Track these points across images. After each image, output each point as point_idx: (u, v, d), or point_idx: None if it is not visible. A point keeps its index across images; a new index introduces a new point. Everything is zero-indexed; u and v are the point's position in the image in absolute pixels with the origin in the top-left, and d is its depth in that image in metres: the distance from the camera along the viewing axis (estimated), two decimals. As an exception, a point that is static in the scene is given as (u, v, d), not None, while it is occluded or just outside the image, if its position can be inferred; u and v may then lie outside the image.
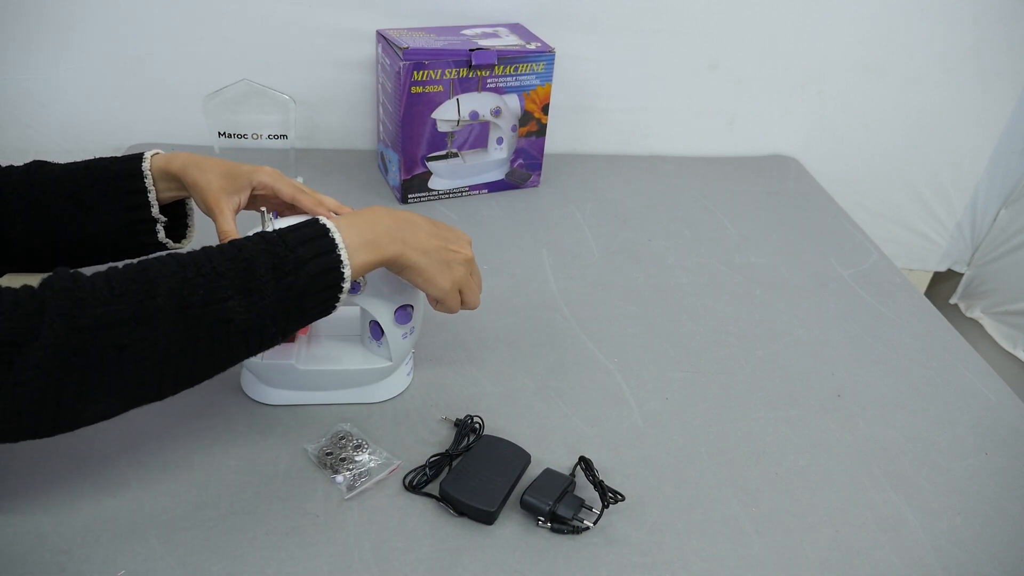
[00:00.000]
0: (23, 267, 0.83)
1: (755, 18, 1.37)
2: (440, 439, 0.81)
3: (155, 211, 0.80)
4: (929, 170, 1.57)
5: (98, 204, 0.79)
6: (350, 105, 1.34)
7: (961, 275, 1.72)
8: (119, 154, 0.84)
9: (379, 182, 1.30)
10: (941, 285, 1.77)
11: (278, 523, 0.70)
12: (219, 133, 1.16)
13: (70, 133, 1.31)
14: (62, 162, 0.81)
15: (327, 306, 0.68)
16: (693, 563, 0.71)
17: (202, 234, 0.85)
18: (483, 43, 1.17)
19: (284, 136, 1.19)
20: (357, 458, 0.77)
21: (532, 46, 1.19)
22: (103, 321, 0.57)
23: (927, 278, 1.74)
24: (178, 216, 0.86)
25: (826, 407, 0.91)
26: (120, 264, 0.62)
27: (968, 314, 1.68)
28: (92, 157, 0.82)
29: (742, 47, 1.40)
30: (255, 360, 0.79)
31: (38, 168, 0.80)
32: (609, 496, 0.74)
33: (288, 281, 0.64)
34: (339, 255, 0.66)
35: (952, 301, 1.74)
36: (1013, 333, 1.57)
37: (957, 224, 1.64)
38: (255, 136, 1.18)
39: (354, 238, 0.68)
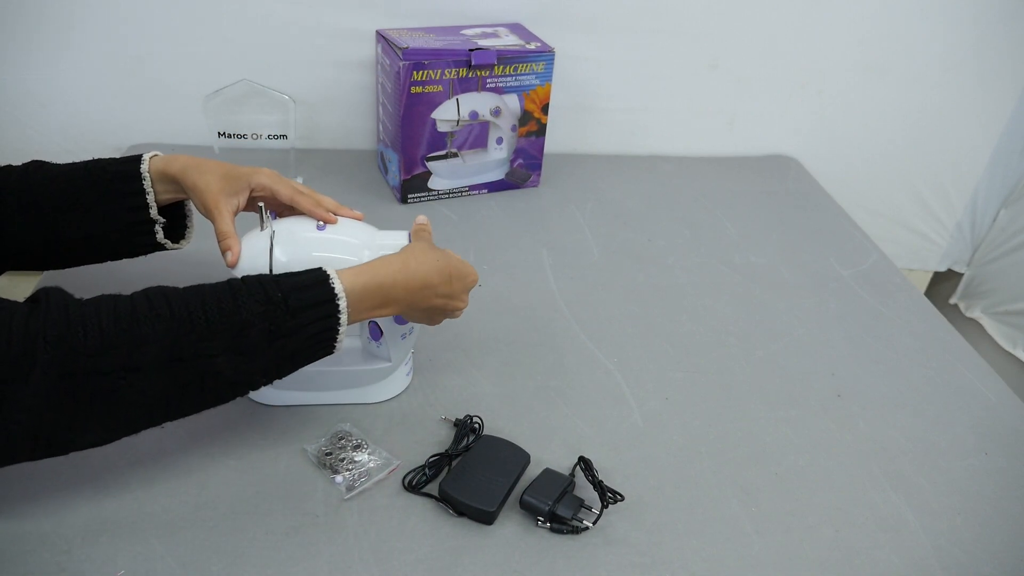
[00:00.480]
0: (21, 266, 0.83)
1: (755, 18, 1.37)
2: (440, 439, 0.81)
3: (153, 212, 0.80)
4: (929, 170, 1.57)
5: (96, 205, 0.79)
6: (350, 105, 1.34)
7: (961, 275, 1.72)
8: (119, 154, 0.84)
9: (379, 182, 1.31)
10: (941, 285, 1.77)
11: (278, 523, 0.70)
12: (219, 133, 1.16)
13: (70, 133, 1.31)
14: (61, 162, 0.81)
15: (318, 358, 0.70)
16: (693, 563, 0.71)
17: (201, 235, 0.85)
18: (483, 43, 1.17)
19: (284, 136, 1.19)
20: (357, 458, 0.77)
21: (532, 46, 1.19)
22: (93, 369, 0.58)
23: (927, 278, 1.74)
24: (177, 217, 0.86)
25: (826, 407, 0.91)
26: (115, 295, 0.62)
27: (968, 314, 1.68)
28: (92, 157, 0.82)
29: (742, 47, 1.40)
30: None
31: (37, 168, 0.80)
32: (609, 496, 0.74)
33: (281, 343, 0.65)
34: (339, 318, 0.67)
35: (952, 301, 1.74)
36: (1013, 333, 1.57)
37: (957, 224, 1.64)
38: (255, 136, 1.18)
39: (360, 303, 0.70)
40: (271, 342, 0.64)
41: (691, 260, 1.17)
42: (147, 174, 0.79)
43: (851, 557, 0.73)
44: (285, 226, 0.77)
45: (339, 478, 0.74)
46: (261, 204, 0.75)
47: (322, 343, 0.68)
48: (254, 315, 0.63)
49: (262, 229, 0.76)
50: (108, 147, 1.31)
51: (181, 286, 0.65)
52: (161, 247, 0.84)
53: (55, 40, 1.22)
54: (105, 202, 0.79)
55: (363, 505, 0.73)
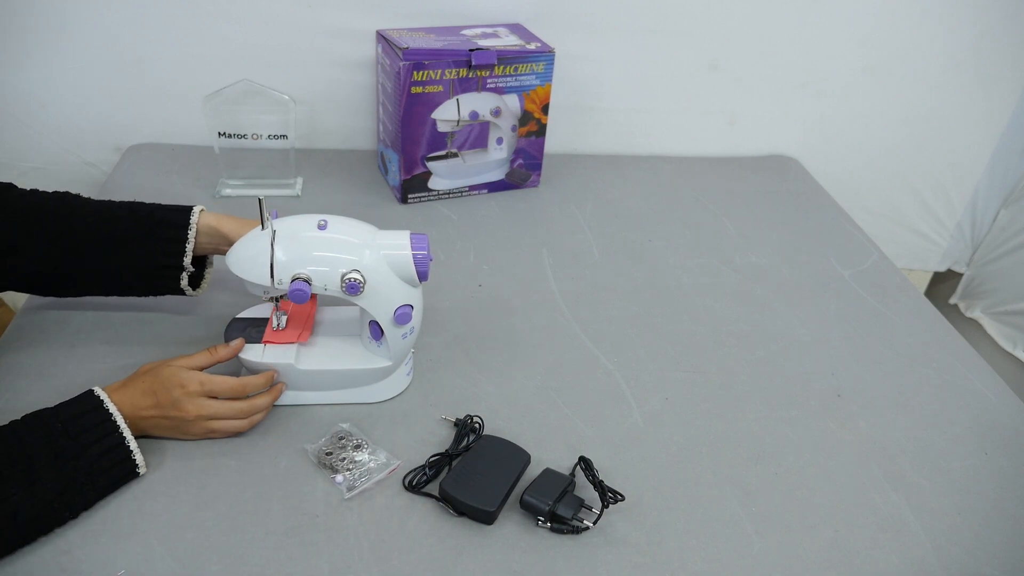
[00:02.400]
0: (34, 289, 0.87)
1: (755, 18, 1.37)
2: (440, 439, 0.81)
3: (187, 260, 0.84)
4: (929, 170, 1.57)
5: (136, 242, 0.83)
6: (350, 105, 1.34)
7: (961, 275, 1.72)
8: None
9: (379, 182, 1.30)
10: (941, 285, 1.77)
11: (278, 523, 0.70)
12: (219, 133, 1.16)
13: (70, 133, 1.31)
14: (95, 198, 0.85)
15: (125, 480, 0.71)
16: (693, 563, 0.71)
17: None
18: (483, 43, 1.17)
19: (284, 136, 1.19)
20: (357, 458, 0.77)
21: (532, 46, 1.19)
22: None
23: (927, 278, 1.74)
24: (197, 267, 0.89)
25: (826, 407, 0.91)
26: None
27: (968, 314, 1.68)
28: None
29: (742, 47, 1.40)
30: (255, 360, 0.80)
31: (72, 199, 0.84)
32: (609, 496, 0.74)
33: (71, 468, 0.67)
34: (122, 434, 0.70)
35: (952, 301, 1.74)
36: (1013, 333, 1.57)
37: (957, 224, 1.64)
38: (255, 136, 1.18)
39: (133, 411, 0.72)
40: (61, 466, 0.66)
41: (691, 260, 1.17)
42: (195, 225, 0.84)
43: (851, 557, 0.73)
44: (286, 225, 0.77)
45: (339, 478, 0.74)
46: (260, 198, 0.75)
47: (117, 464, 0.70)
48: (37, 445, 0.66)
49: (263, 228, 0.76)
50: (108, 147, 1.31)
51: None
52: (180, 292, 0.87)
53: (55, 40, 1.22)
54: (146, 241, 0.83)
55: (363, 505, 0.73)
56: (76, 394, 0.72)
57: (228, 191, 1.21)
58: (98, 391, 0.71)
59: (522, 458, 0.77)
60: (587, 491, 0.76)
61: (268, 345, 0.82)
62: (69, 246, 0.81)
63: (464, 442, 0.80)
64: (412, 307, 0.80)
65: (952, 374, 0.99)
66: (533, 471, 0.77)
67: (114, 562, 0.66)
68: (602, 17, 1.32)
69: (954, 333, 1.08)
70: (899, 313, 1.10)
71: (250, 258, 0.75)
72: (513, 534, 0.72)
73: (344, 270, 0.75)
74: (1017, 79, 1.47)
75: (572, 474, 0.77)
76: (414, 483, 0.75)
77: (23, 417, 0.68)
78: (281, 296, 0.79)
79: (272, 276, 0.75)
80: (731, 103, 1.46)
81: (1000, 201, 1.62)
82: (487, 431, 0.82)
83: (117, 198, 0.87)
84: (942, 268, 1.71)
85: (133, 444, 0.70)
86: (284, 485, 0.74)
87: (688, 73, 1.41)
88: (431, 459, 0.77)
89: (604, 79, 1.39)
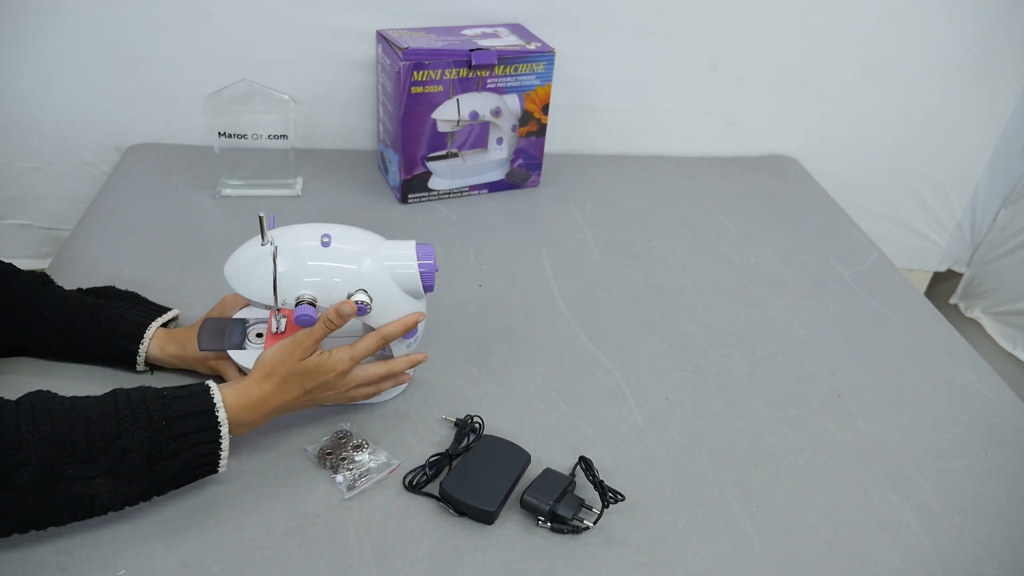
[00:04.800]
0: (6, 354, 0.86)
1: (755, 18, 1.37)
2: (440, 439, 0.81)
3: (140, 367, 0.84)
4: (929, 170, 1.57)
5: (90, 350, 0.83)
6: (350, 105, 1.34)
7: (961, 275, 1.72)
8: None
9: (379, 182, 1.30)
10: (941, 285, 1.77)
11: (278, 523, 0.70)
12: (219, 133, 1.16)
13: (70, 133, 1.30)
14: (65, 287, 0.86)
15: (200, 478, 0.71)
16: (693, 563, 0.71)
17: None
18: (483, 43, 1.17)
19: (284, 136, 1.19)
20: (357, 458, 0.77)
21: (532, 46, 1.19)
22: None
23: (927, 278, 1.74)
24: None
25: (826, 407, 0.91)
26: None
27: (968, 314, 1.68)
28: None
29: (742, 47, 1.40)
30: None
31: (40, 287, 0.84)
32: (609, 496, 0.74)
33: (161, 467, 0.66)
34: (220, 443, 0.69)
35: (952, 301, 1.74)
36: (1013, 333, 1.57)
37: (957, 224, 1.64)
38: (255, 136, 1.18)
39: (239, 415, 0.71)
40: (151, 466, 0.65)
41: (691, 260, 1.17)
42: (147, 342, 0.82)
43: (851, 557, 0.73)
44: (288, 242, 0.74)
45: (339, 478, 0.74)
46: (261, 215, 0.73)
47: (203, 466, 0.69)
48: (135, 442, 0.64)
49: (263, 243, 0.74)
50: (108, 147, 1.31)
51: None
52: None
53: (55, 40, 1.22)
54: (98, 350, 0.83)
55: (363, 505, 0.73)
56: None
57: (228, 191, 1.21)
58: (213, 390, 0.70)
59: (522, 458, 0.77)
60: (587, 491, 0.76)
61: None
62: (37, 331, 0.82)
63: (464, 442, 0.80)
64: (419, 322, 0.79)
65: (952, 374, 0.99)
66: (533, 471, 0.77)
67: (114, 562, 0.66)
68: (602, 17, 1.32)
69: (954, 333, 1.08)
70: (899, 313, 1.10)
71: (251, 276, 0.73)
72: (513, 534, 0.72)
73: (351, 290, 0.74)
74: (1017, 79, 1.47)
75: (572, 474, 0.77)
76: (414, 483, 0.75)
77: (130, 393, 0.67)
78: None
79: (275, 296, 0.73)
80: (731, 103, 1.46)
81: (1000, 201, 1.62)
82: (487, 431, 0.82)
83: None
84: (942, 268, 1.71)
85: (225, 451, 0.69)
86: (284, 485, 0.74)
87: (688, 73, 1.41)
88: (431, 459, 0.77)
89: (604, 79, 1.39)
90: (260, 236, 0.73)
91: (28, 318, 0.82)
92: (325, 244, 0.74)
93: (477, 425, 0.82)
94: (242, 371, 0.81)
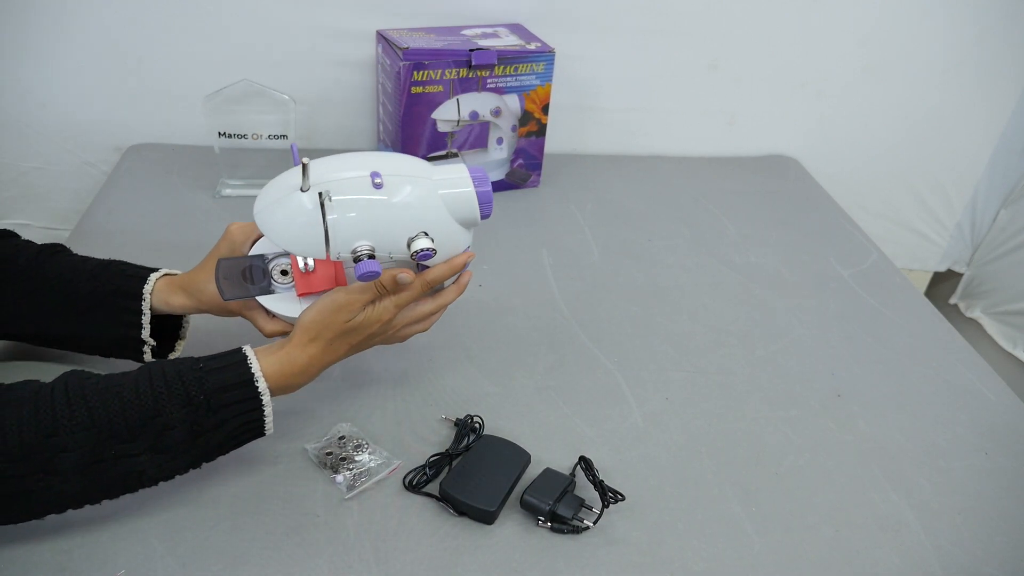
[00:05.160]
0: (15, 338, 0.82)
1: (755, 18, 1.37)
2: (440, 439, 0.81)
3: (146, 334, 0.77)
4: (929, 170, 1.57)
5: (93, 313, 0.77)
6: (350, 105, 1.34)
7: (961, 275, 1.72)
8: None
9: (379, 182, 1.30)
10: (941, 285, 1.77)
11: (278, 523, 0.70)
12: (219, 133, 1.16)
13: (70, 133, 1.30)
14: (79, 253, 0.81)
15: (247, 442, 0.69)
16: (693, 563, 0.71)
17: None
18: (483, 43, 1.17)
19: (284, 136, 1.19)
20: (357, 458, 0.77)
21: (532, 46, 1.19)
22: (12, 473, 0.59)
23: (927, 278, 1.74)
24: (175, 327, 0.83)
25: (826, 407, 0.91)
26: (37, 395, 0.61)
27: (968, 314, 1.68)
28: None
29: (742, 47, 1.40)
30: (291, 315, 0.73)
31: (49, 257, 0.78)
32: (609, 496, 0.74)
33: (204, 439, 0.65)
34: (263, 411, 0.67)
35: (952, 301, 1.74)
36: (1013, 333, 1.57)
37: (957, 224, 1.64)
38: (255, 136, 1.18)
39: (282, 382, 0.68)
40: (194, 440, 0.64)
41: (691, 260, 1.17)
42: (148, 296, 0.77)
43: (851, 557, 0.73)
44: (330, 178, 0.65)
45: (339, 478, 0.74)
46: (305, 161, 0.63)
47: (249, 432, 0.68)
48: (175, 419, 0.63)
49: (304, 189, 0.64)
50: (108, 147, 1.31)
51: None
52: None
53: (54, 40, 1.22)
54: (101, 312, 0.77)
55: (363, 505, 0.73)
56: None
57: (228, 191, 1.21)
58: (251, 359, 0.66)
59: (522, 458, 0.77)
60: (587, 491, 0.76)
61: (303, 297, 0.73)
62: (36, 306, 0.77)
63: (464, 442, 0.80)
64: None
65: (952, 374, 0.99)
66: (533, 471, 0.77)
67: (114, 562, 0.66)
68: (602, 17, 1.32)
69: (954, 333, 1.08)
70: (899, 313, 1.10)
71: (291, 225, 0.64)
72: (513, 534, 0.72)
73: (411, 233, 0.67)
74: (1017, 79, 1.47)
75: (572, 474, 0.77)
76: (414, 483, 0.75)
77: (165, 368, 0.64)
78: None
79: (327, 250, 0.65)
80: (731, 103, 1.46)
81: (1000, 201, 1.62)
82: (487, 431, 0.82)
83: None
84: (942, 268, 1.71)
85: (270, 417, 0.67)
86: (284, 485, 0.74)
87: (688, 73, 1.41)
88: (431, 459, 0.77)
89: (604, 79, 1.39)
90: (298, 176, 0.65)
91: (32, 291, 0.77)
92: (377, 186, 0.65)
93: (477, 425, 0.82)
94: (271, 314, 0.75)
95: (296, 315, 0.71)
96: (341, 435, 0.79)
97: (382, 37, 1.19)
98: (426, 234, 0.67)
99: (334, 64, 1.30)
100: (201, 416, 0.64)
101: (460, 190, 0.69)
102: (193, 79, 1.22)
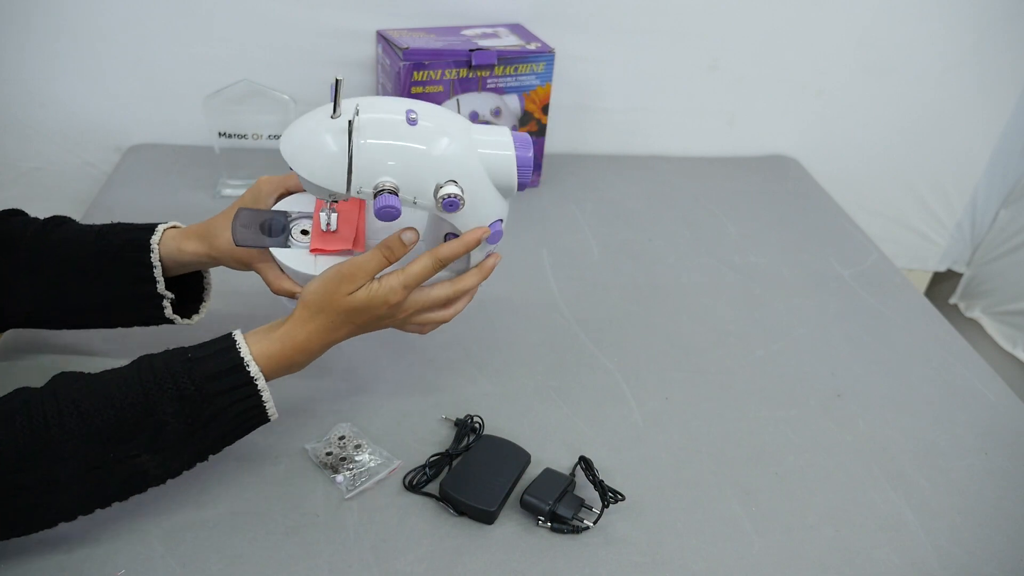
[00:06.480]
0: (32, 324, 0.82)
1: (755, 18, 1.37)
2: (440, 439, 0.81)
3: (160, 287, 0.75)
4: (929, 170, 1.57)
5: (104, 273, 0.75)
6: (350, 105, 1.34)
7: (961, 275, 1.72)
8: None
9: (379, 182, 1.30)
10: (941, 285, 1.77)
11: (278, 523, 0.70)
12: (219, 133, 1.16)
13: (70, 133, 1.30)
14: (82, 222, 0.80)
15: (251, 430, 0.68)
16: (693, 563, 0.71)
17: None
18: (483, 43, 1.17)
19: (284, 136, 1.19)
20: (357, 458, 0.77)
21: (532, 46, 1.19)
22: (10, 487, 0.58)
23: (927, 278, 1.74)
24: (196, 288, 0.82)
25: (826, 407, 0.91)
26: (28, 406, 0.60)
27: (968, 314, 1.68)
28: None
29: (742, 47, 1.40)
30: (306, 271, 0.71)
31: (55, 226, 0.77)
32: (609, 496, 0.74)
33: (202, 433, 0.64)
34: (260, 396, 0.65)
35: (952, 301, 1.74)
36: (1013, 333, 1.57)
37: (957, 224, 1.64)
38: (255, 136, 1.18)
39: (277, 365, 0.67)
40: (192, 434, 0.63)
41: (691, 260, 1.17)
42: (156, 246, 0.75)
43: (851, 557, 0.73)
44: (365, 112, 0.62)
45: (339, 478, 0.74)
46: (339, 79, 0.61)
47: (251, 419, 0.67)
48: (169, 415, 0.61)
49: (335, 116, 0.61)
50: (108, 147, 1.31)
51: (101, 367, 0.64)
52: (170, 322, 0.79)
53: (54, 40, 1.22)
54: (113, 270, 0.75)
55: (363, 505, 0.73)
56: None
57: (228, 191, 1.21)
58: (239, 344, 0.64)
59: (522, 458, 0.78)
60: (587, 491, 0.76)
61: (319, 256, 0.69)
62: (45, 278, 0.75)
63: (464, 442, 0.80)
64: (502, 221, 0.70)
65: (952, 374, 0.99)
66: (533, 471, 0.77)
67: (114, 562, 0.66)
68: (602, 17, 1.32)
69: (954, 333, 1.08)
70: (899, 313, 1.10)
71: (316, 155, 0.61)
72: (513, 534, 0.72)
73: (440, 181, 0.63)
74: (1017, 79, 1.47)
75: (572, 474, 0.77)
76: (414, 483, 0.75)
77: (154, 361, 0.63)
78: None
79: (349, 182, 0.62)
80: (731, 103, 1.46)
81: (1000, 201, 1.62)
82: (487, 431, 0.82)
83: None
84: (942, 268, 1.71)
85: (269, 401, 0.65)
86: (284, 485, 0.74)
87: (688, 73, 1.41)
88: (431, 459, 0.77)
89: (604, 79, 1.39)
90: (332, 106, 0.62)
91: (42, 263, 0.75)
92: (412, 122, 0.62)
93: (477, 425, 0.82)
94: (283, 271, 0.72)
95: (306, 271, 0.69)
96: (341, 435, 0.79)
97: (382, 37, 1.19)
98: (455, 183, 0.63)
99: (334, 64, 1.30)
100: (195, 409, 0.62)
101: (501, 152, 0.66)
102: (193, 79, 1.22)
